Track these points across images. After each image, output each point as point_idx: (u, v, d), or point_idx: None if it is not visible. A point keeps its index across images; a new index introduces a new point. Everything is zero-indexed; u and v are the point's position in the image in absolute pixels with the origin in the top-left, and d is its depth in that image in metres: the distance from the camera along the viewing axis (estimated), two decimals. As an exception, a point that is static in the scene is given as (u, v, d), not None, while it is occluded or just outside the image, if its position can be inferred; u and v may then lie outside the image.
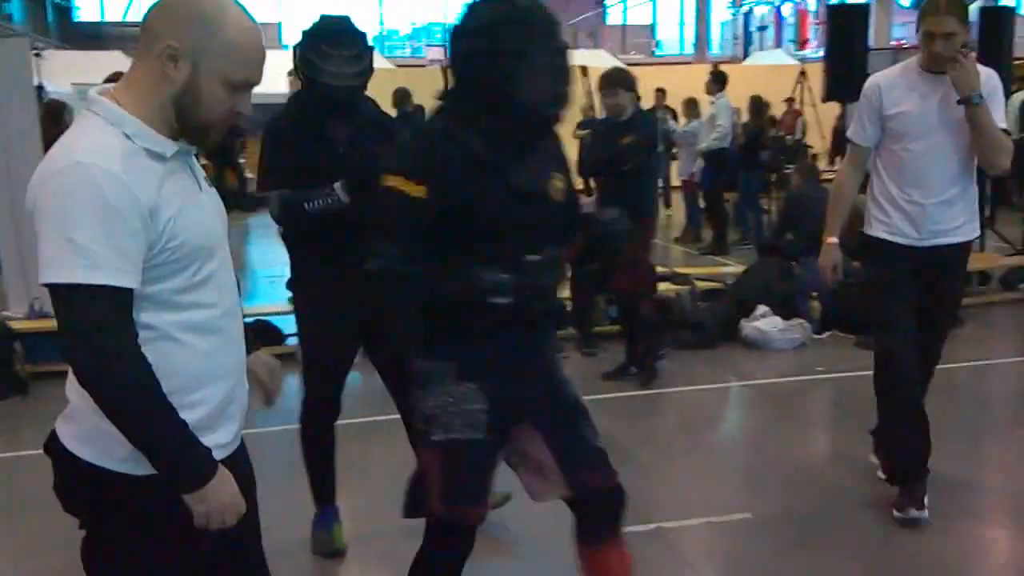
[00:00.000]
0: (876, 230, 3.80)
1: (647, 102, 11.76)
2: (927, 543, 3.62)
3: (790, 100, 12.83)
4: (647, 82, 13.84)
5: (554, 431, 2.40)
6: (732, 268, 7.87)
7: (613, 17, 43.53)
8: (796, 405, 5.65)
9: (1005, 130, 3.62)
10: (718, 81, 10.43)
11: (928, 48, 3.59)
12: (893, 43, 26.64)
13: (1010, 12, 8.94)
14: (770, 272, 6.92)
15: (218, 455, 1.74)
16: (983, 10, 9.42)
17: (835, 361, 6.11)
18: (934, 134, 3.64)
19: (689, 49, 37.01)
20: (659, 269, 6.65)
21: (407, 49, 39.28)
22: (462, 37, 2.24)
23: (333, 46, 3.14)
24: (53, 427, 1.78)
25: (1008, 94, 10.98)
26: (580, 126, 14.82)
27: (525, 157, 2.31)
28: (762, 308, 6.52)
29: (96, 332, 1.58)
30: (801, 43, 16.57)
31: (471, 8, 2.24)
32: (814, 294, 6.77)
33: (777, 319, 6.47)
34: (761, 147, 10.33)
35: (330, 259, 3.25)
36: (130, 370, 1.60)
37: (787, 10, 37.44)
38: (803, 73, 12.14)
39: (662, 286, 6.81)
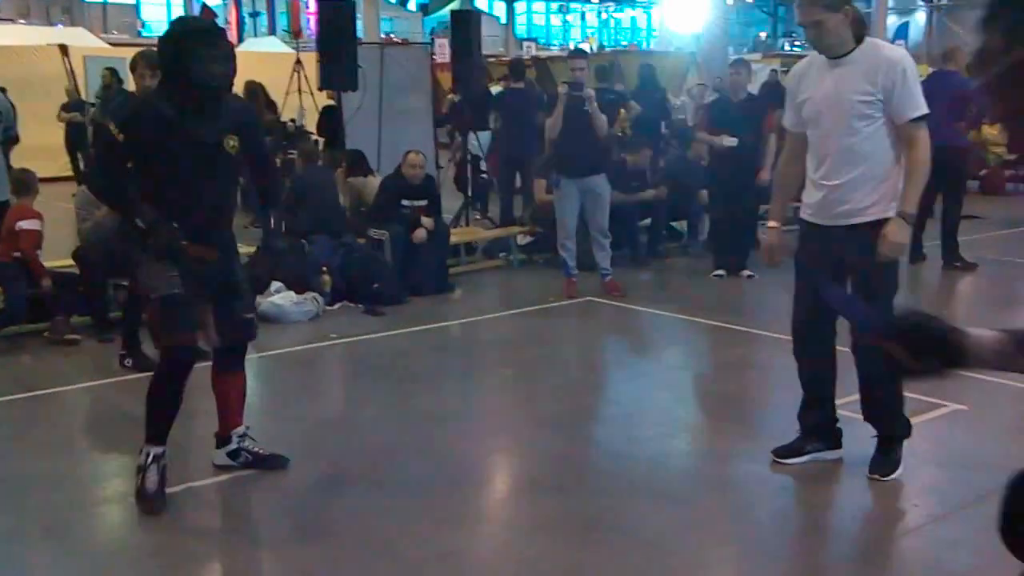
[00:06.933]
0: (802, 211, 3.95)
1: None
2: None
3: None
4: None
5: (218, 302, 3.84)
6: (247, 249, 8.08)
7: (93, -6, 40.63)
8: (316, 368, 6.11)
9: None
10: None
11: (807, 37, 3.75)
12: (382, 37, 28.40)
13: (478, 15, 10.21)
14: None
15: None
16: (454, 13, 10.62)
17: (347, 328, 6.66)
18: (827, 118, 3.74)
19: (179, 32, 35.77)
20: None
21: None
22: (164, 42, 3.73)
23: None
24: None
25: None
26: (65, 108, 13.89)
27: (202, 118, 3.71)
28: (276, 284, 6.86)
29: None
30: (295, 32, 16.93)
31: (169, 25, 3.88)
32: (324, 268, 7.25)
33: (291, 293, 6.85)
34: (263, 132, 10.56)
35: None
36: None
37: (280, -2, 37.85)
38: (299, 61, 12.60)
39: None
